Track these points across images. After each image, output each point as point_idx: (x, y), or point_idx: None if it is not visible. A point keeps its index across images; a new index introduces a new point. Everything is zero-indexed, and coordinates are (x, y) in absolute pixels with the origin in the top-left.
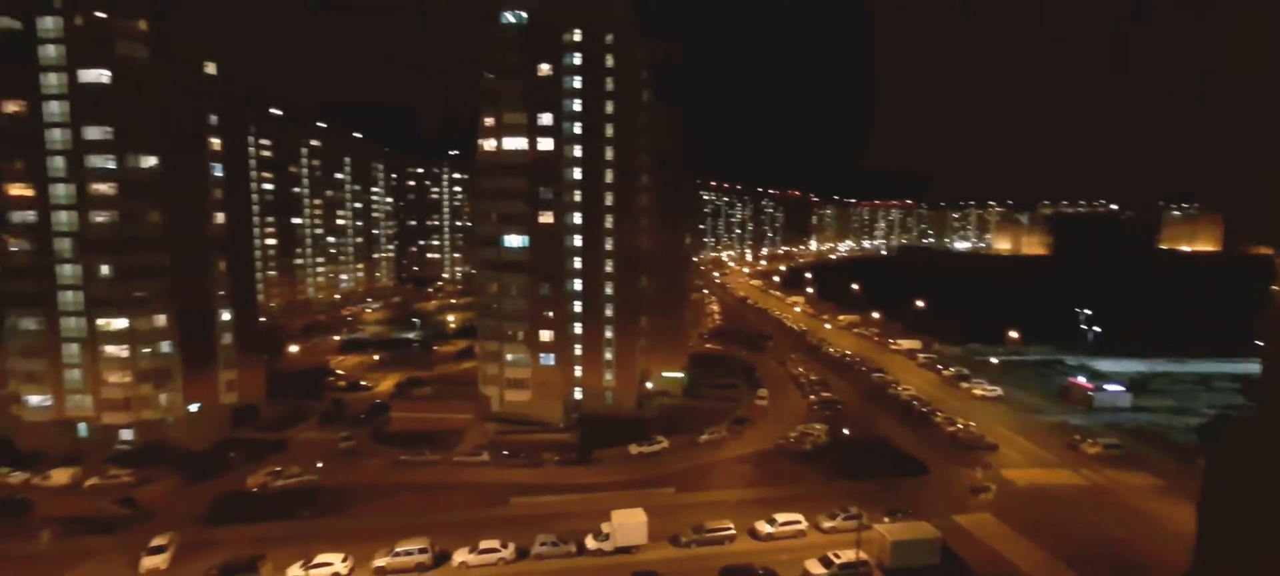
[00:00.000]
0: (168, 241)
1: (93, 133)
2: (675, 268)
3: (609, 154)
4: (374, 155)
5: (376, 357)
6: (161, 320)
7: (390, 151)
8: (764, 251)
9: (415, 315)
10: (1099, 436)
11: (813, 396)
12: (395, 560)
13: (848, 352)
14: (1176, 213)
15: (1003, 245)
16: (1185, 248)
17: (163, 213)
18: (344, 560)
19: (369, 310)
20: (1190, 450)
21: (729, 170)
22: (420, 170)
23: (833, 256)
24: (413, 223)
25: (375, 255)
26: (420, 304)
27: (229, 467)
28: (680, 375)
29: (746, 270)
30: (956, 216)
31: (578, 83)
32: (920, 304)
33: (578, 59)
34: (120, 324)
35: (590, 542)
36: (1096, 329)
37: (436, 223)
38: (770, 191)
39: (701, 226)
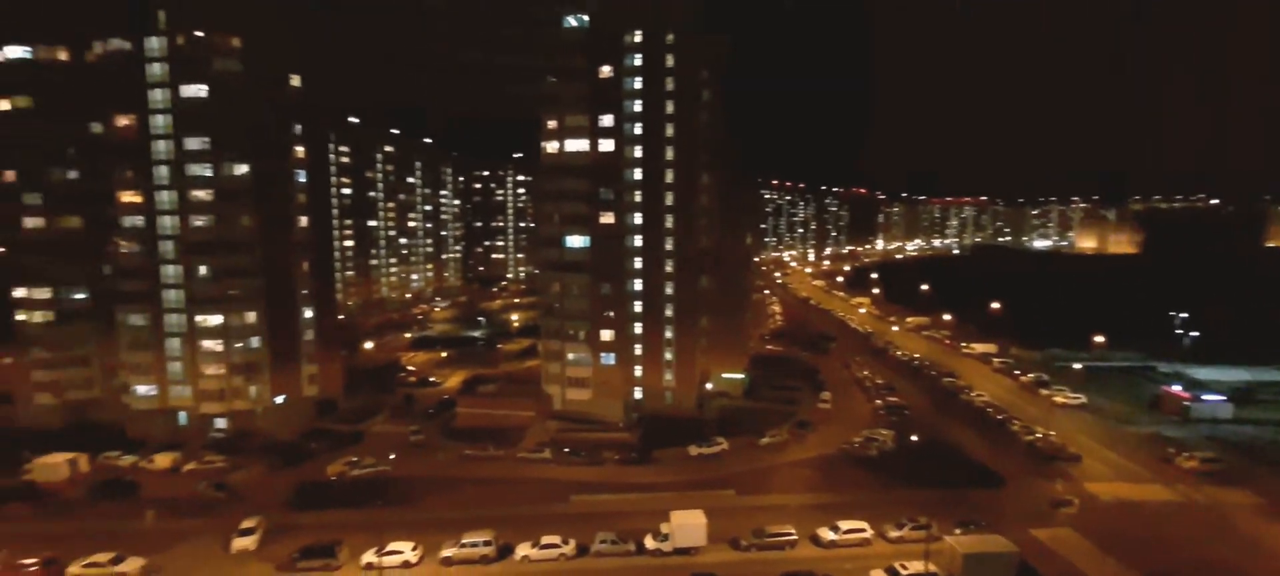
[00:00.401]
0: (258, 243)
1: (192, 143)
2: (736, 268)
3: (669, 154)
4: (443, 160)
5: (444, 355)
6: (252, 317)
7: (458, 155)
8: (827, 251)
9: (481, 314)
10: (1196, 449)
11: (878, 401)
12: (461, 551)
13: (916, 356)
14: None
15: (1087, 243)
16: None
17: (253, 217)
18: (413, 548)
19: (437, 309)
20: None
21: (791, 168)
22: (486, 173)
23: (899, 256)
24: (479, 224)
25: (443, 256)
26: (485, 303)
27: (311, 457)
28: (741, 376)
29: (809, 270)
30: (1036, 213)
31: (638, 84)
32: (996, 305)
33: (638, 60)
34: (216, 320)
35: (649, 542)
36: (1193, 333)
37: (501, 224)
38: (834, 189)
39: (763, 226)
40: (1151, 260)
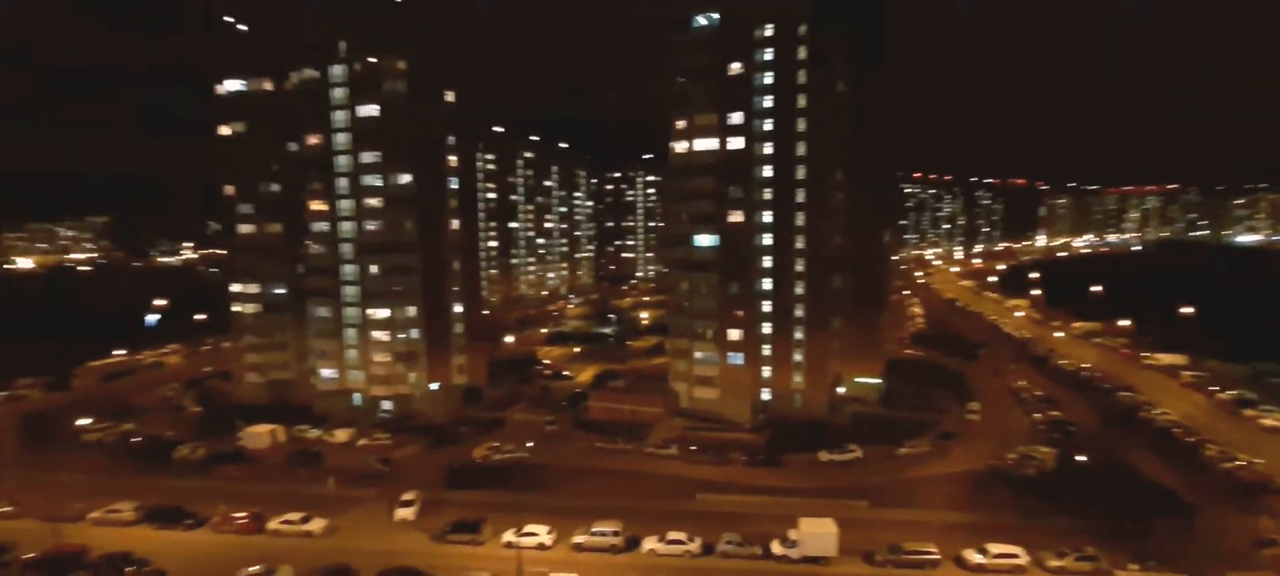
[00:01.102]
0: (417, 244)
1: (367, 156)
2: (872, 267)
3: (800, 150)
4: (577, 163)
5: (577, 350)
6: (412, 311)
7: (591, 158)
8: (978, 248)
9: (611, 311)
10: None
11: (1037, 414)
12: (592, 539)
13: (1084, 366)
14: None
15: None
16: None
17: (414, 221)
18: (548, 532)
19: (571, 306)
20: None
21: (936, 160)
22: (617, 175)
23: (1064, 254)
24: (610, 224)
25: (577, 255)
26: (616, 300)
27: (460, 440)
28: (877, 381)
29: (955, 269)
30: (1241, 203)
31: (768, 79)
32: (1187, 310)
33: (768, 55)
34: (383, 313)
35: (776, 547)
36: None
37: (631, 223)
38: (986, 181)
39: (903, 222)
40: None
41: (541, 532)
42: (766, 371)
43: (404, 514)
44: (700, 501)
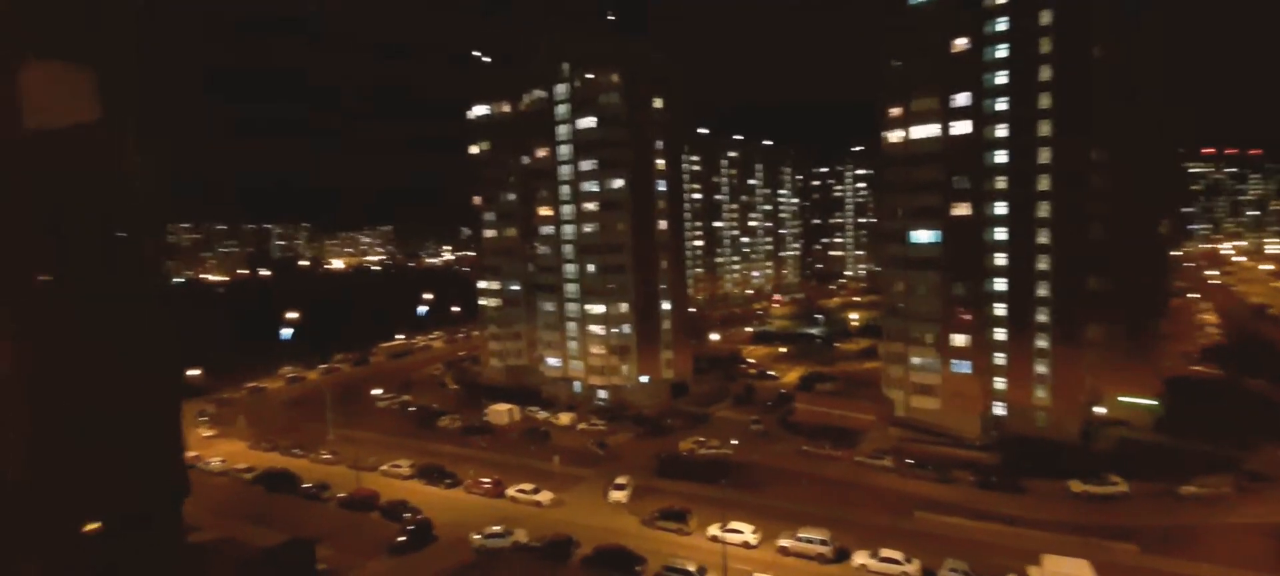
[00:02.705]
0: (629, 245)
1: (585, 165)
2: (1145, 265)
3: (1045, 130)
4: (782, 158)
5: (782, 350)
6: (624, 307)
7: (795, 153)
8: None
9: (818, 311)
10: None
11: None
12: (798, 544)
13: None
14: None
15: None
16: None
17: (627, 223)
18: (753, 531)
19: (776, 305)
20: None
21: (1239, 131)
22: (824, 169)
23: None
24: (816, 221)
25: (782, 253)
26: (823, 300)
27: (668, 432)
28: (1151, 402)
29: (1266, 266)
30: None
31: (1002, 52)
32: None
33: (1003, 25)
34: (599, 309)
35: None
36: None
37: (839, 220)
38: None
39: (1189, 209)
40: None
41: (746, 531)
42: (999, 383)
43: (618, 496)
44: (918, 520)
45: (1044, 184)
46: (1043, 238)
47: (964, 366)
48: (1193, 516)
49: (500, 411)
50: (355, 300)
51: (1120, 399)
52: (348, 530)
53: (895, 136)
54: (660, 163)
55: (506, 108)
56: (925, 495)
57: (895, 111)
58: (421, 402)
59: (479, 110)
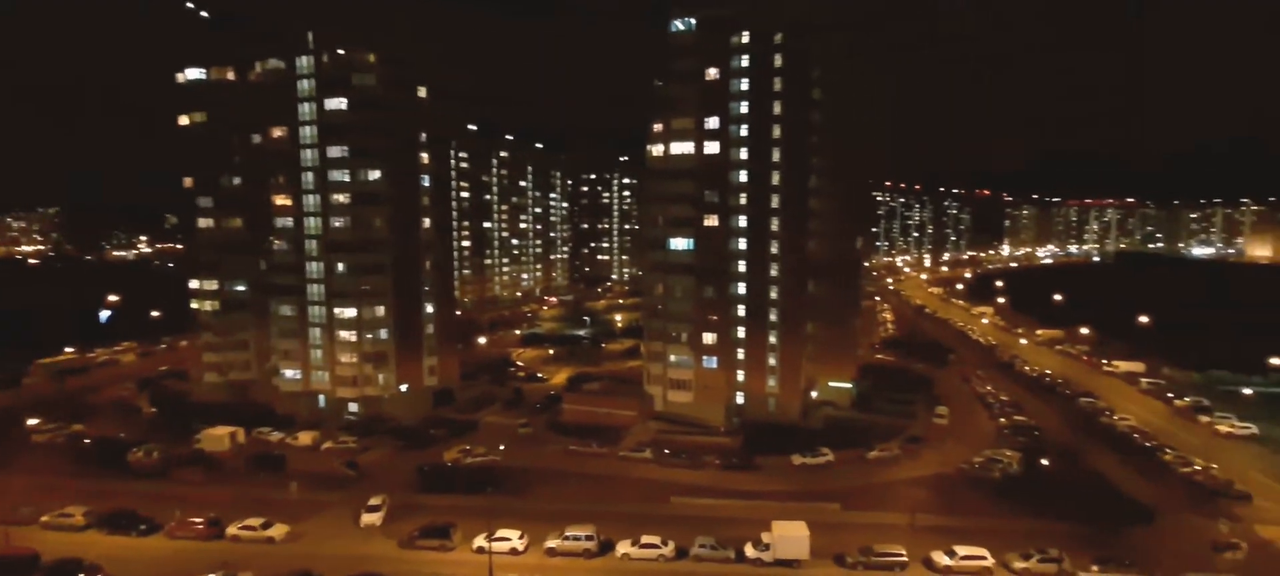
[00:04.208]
0: (387, 243)
1: (335, 151)
2: (845, 273)
3: (776, 156)
4: (552, 164)
5: (551, 352)
6: (381, 311)
7: (567, 159)
8: (945, 256)
9: (586, 313)
10: None
11: (1003, 419)
12: (565, 543)
13: (1048, 372)
14: None
15: (1260, 252)
16: None
17: (384, 219)
18: (521, 537)
19: (545, 308)
20: None
21: (907, 169)
22: (593, 176)
23: (1014, 264)
24: (585, 226)
25: (552, 256)
26: (591, 303)
27: (431, 443)
28: (849, 386)
29: (924, 276)
30: (1195, 217)
31: (744, 85)
32: (1144, 320)
33: (745, 61)
34: (350, 313)
35: (749, 551)
36: None
37: (607, 226)
38: (954, 190)
39: (875, 230)
40: None
41: (514, 537)
42: (741, 375)
43: (370, 519)
44: (674, 505)
45: (775, 202)
46: (774, 248)
47: (712, 361)
48: (876, 475)
49: (218, 436)
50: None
51: (829, 383)
52: None
53: (657, 150)
54: (425, 156)
55: (231, 75)
56: (680, 481)
57: (658, 127)
58: (103, 433)
59: (192, 74)
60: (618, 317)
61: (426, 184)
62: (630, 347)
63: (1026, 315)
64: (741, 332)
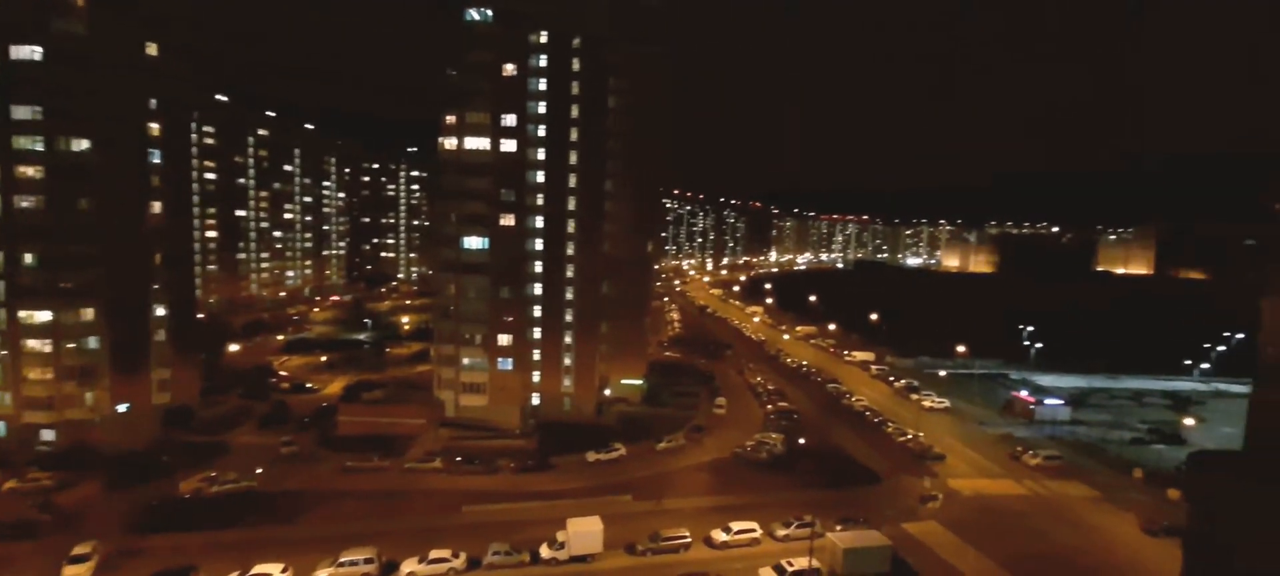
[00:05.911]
0: (98, 230)
1: (21, 112)
2: (637, 274)
3: (573, 158)
4: (326, 149)
5: (324, 359)
6: (89, 314)
7: (344, 144)
8: (725, 261)
9: (367, 315)
10: (1040, 448)
11: (770, 406)
12: (339, 570)
13: (804, 363)
14: (1113, 237)
15: (951, 262)
16: (1119, 270)
17: (94, 199)
18: (283, 570)
19: (317, 309)
20: (1125, 462)
21: (692, 179)
22: (376, 166)
23: (776, 270)
24: (366, 220)
25: (325, 252)
26: (372, 304)
27: (162, 472)
28: (640, 382)
29: (707, 279)
30: (909, 233)
31: (542, 85)
32: (874, 317)
33: (544, 61)
34: (43, 317)
35: (545, 551)
36: (1038, 345)
37: (392, 221)
38: (732, 201)
39: (663, 234)
40: (1005, 278)
41: (275, 572)
42: (537, 376)
43: (75, 571)
44: (466, 514)
45: (572, 203)
46: (570, 248)
47: (507, 363)
48: (664, 465)
49: None
50: None
51: (622, 381)
52: None
53: (450, 144)
54: (154, 126)
55: None
56: (473, 488)
57: (451, 120)
58: None
59: None
60: (404, 320)
61: (156, 160)
62: (418, 351)
63: (789, 313)
64: (537, 333)
